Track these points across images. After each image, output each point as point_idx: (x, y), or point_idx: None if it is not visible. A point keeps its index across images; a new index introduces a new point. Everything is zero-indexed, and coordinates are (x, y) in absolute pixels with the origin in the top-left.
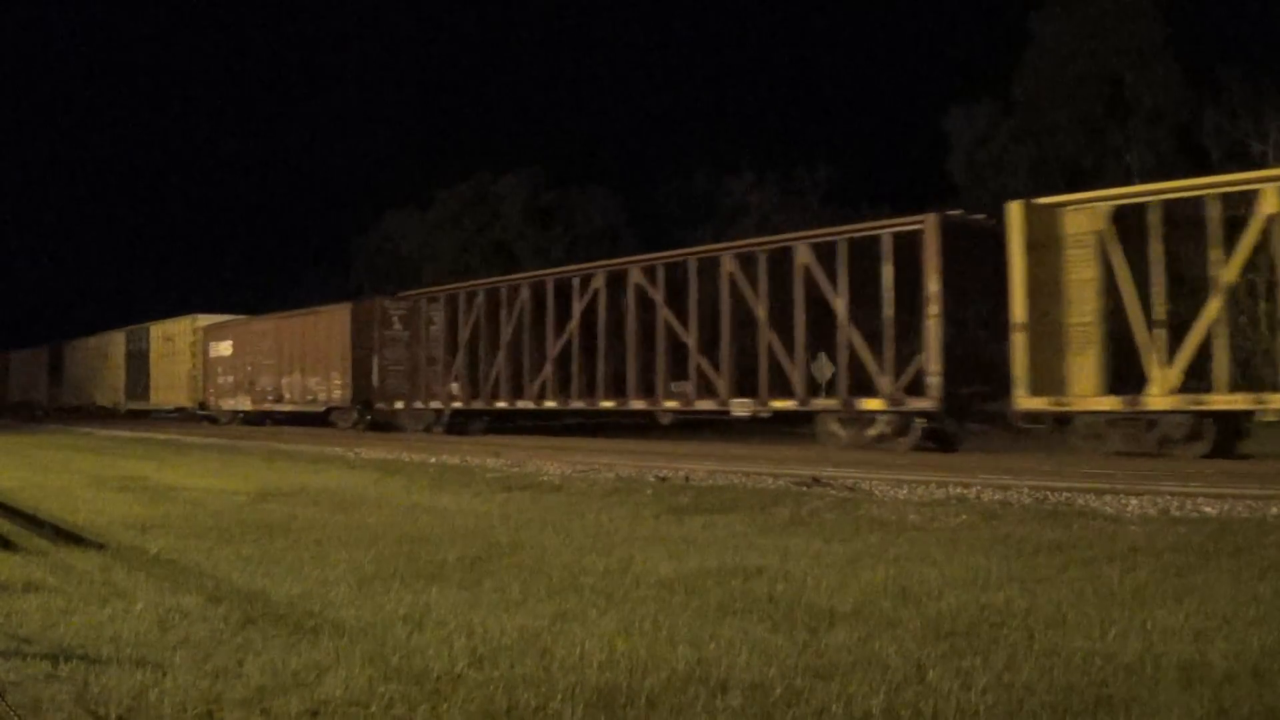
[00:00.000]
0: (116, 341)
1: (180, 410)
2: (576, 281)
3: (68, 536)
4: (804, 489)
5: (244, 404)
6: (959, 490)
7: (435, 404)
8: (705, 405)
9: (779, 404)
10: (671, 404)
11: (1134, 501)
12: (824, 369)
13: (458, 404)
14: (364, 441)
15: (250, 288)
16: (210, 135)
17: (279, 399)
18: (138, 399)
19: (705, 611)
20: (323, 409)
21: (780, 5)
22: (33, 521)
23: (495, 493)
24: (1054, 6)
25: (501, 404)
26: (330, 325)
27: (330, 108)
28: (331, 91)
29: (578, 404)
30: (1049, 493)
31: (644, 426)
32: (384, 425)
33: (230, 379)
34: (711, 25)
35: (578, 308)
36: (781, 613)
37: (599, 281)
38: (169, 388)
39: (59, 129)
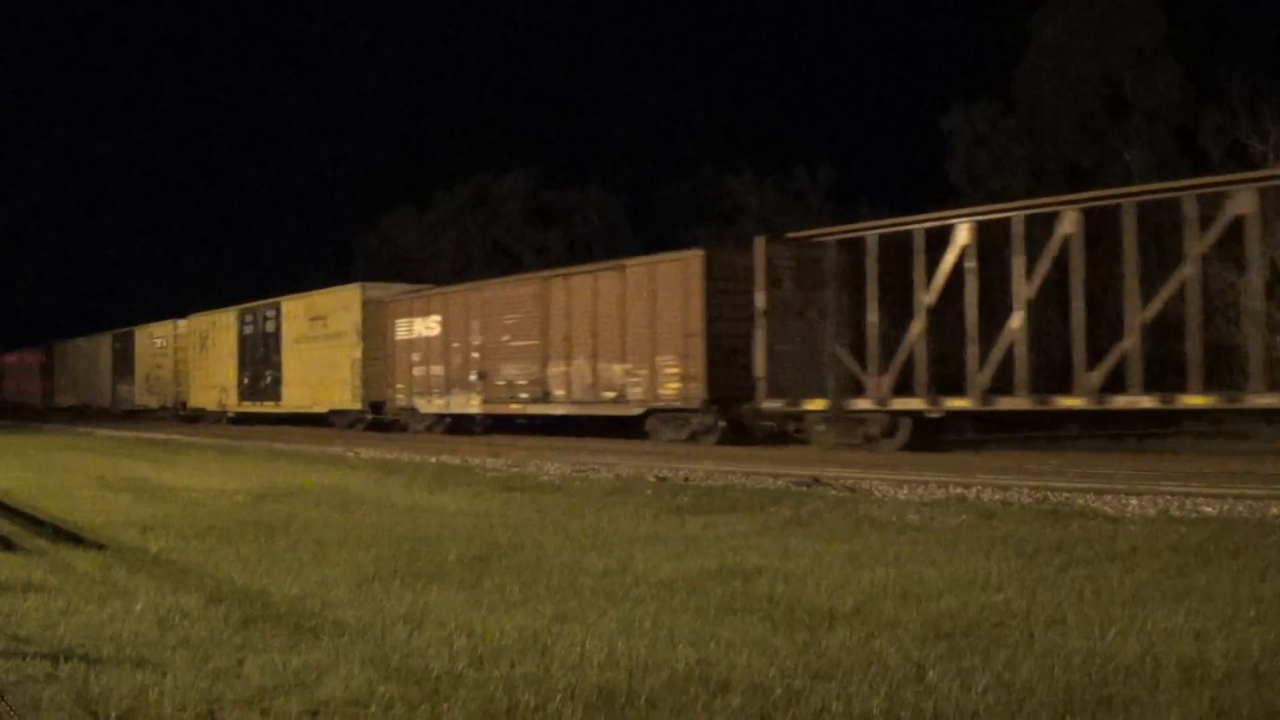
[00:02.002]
0: (221, 324)
1: (337, 414)
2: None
3: (68, 536)
4: (804, 489)
5: (465, 403)
6: (959, 490)
7: (867, 404)
8: None
9: None
10: None
11: (1134, 501)
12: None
13: (923, 406)
14: (364, 441)
15: (250, 287)
16: (210, 135)
17: (541, 395)
18: (259, 398)
19: (705, 611)
20: (638, 411)
21: (780, 5)
22: (33, 521)
23: (495, 492)
24: (1054, 6)
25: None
26: (657, 283)
27: (330, 108)
28: (331, 91)
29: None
30: (1049, 493)
31: None
32: (776, 437)
33: (436, 369)
34: (712, 25)
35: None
36: (781, 613)
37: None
38: (317, 384)
39: (59, 129)
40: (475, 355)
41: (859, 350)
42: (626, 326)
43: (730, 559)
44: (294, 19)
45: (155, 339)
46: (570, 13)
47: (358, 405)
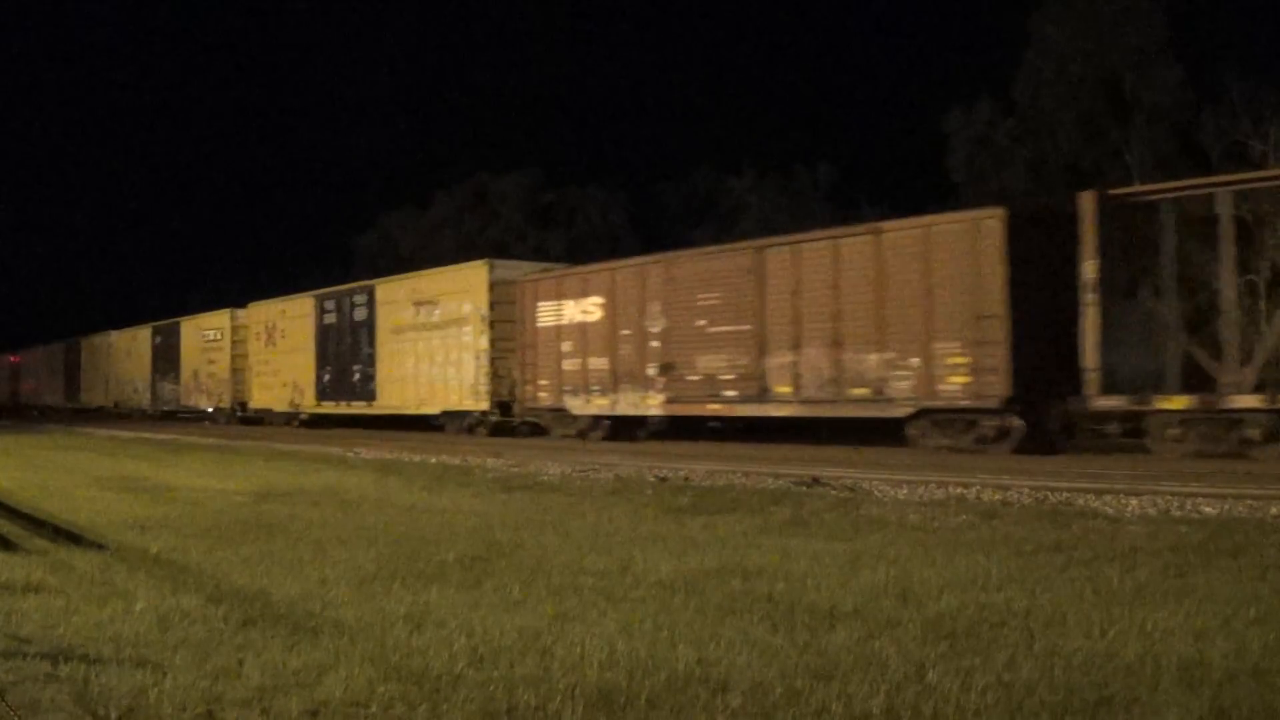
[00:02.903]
0: (293, 312)
1: (451, 416)
2: None
3: (68, 536)
4: (804, 489)
5: (638, 402)
6: (959, 490)
7: (1252, 401)
8: None
9: None
10: None
11: (1134, 501)
12: None
13: None
14: (364, 441)
15: (250, 287)
16: (209, 135)
17: (755, 393)
18: (344, 397)
19: (705, 612)
20: (905, 411)
21: (780, 5)
22: (33, 521)
23: (495, 493)
24: (1054, 7)
25: None
26: (932, 251)
27: (330, 108)
28: (332, 91)
29: None
30: (1049, 493)
31: None
32: (1094, 444)
33: (597, 362)
34: (712, 25)
35: None
36: (781, 613)
37: None
38: (425, 381)
39: (59, 129)
40: (655, 344)
41: (1205, 334)
42: (885, 306)
43: (730, 559)
44: (295, 20)
45: (206, 331)
46: (570, 13)
47: (482, 405)
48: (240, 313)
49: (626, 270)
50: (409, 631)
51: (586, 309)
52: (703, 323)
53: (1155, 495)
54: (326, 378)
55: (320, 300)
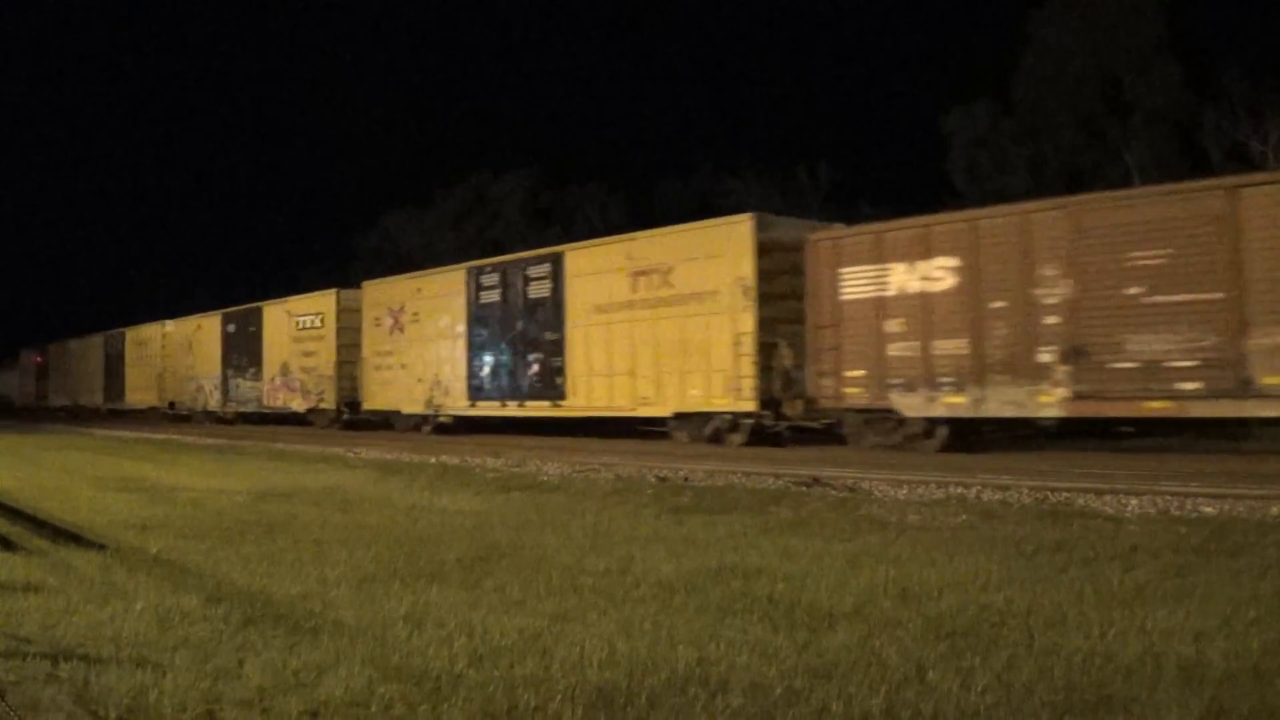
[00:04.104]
0: (431, 290)
1: (687, 419)
2: None
3: (68, 536)
4: (804, 489)
5: (1023, 398)
6: (959, 490)
7: None
8: None
9: None
10: None
11: (1134, 501)
12: None
13: None
14: (364, 440)
15: (250, 288)
16: (209, 135)
17: (1233, 384)
18: (513, 396)
19: (705, 612)
20: None
21: (780, 5)
22: (33, 522)
23: (495, 493)
24: (1054, 6)
25: None
26: None
27: (330, 108)
28: (332, 91)
29: None
30: (1049, 493)
31: None
32: None
33: (946, 345)
34: (712, 25)
35: None
36: (781, 613)
37: None
38: (649, 374)
39: (60, 129)
40: (1052, 320)
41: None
42: None
43: (730, 559)
44: (295, 20)
45: (302, 316)
46: (570, 13)
47: (744, 405)
48: (351, 293)
49: (1000, 221)
50: (409, 631)
51: (929, 275)
52: (1136, 290)
53: (1155, 495)
54: (484, 371)
55: (475, 274)
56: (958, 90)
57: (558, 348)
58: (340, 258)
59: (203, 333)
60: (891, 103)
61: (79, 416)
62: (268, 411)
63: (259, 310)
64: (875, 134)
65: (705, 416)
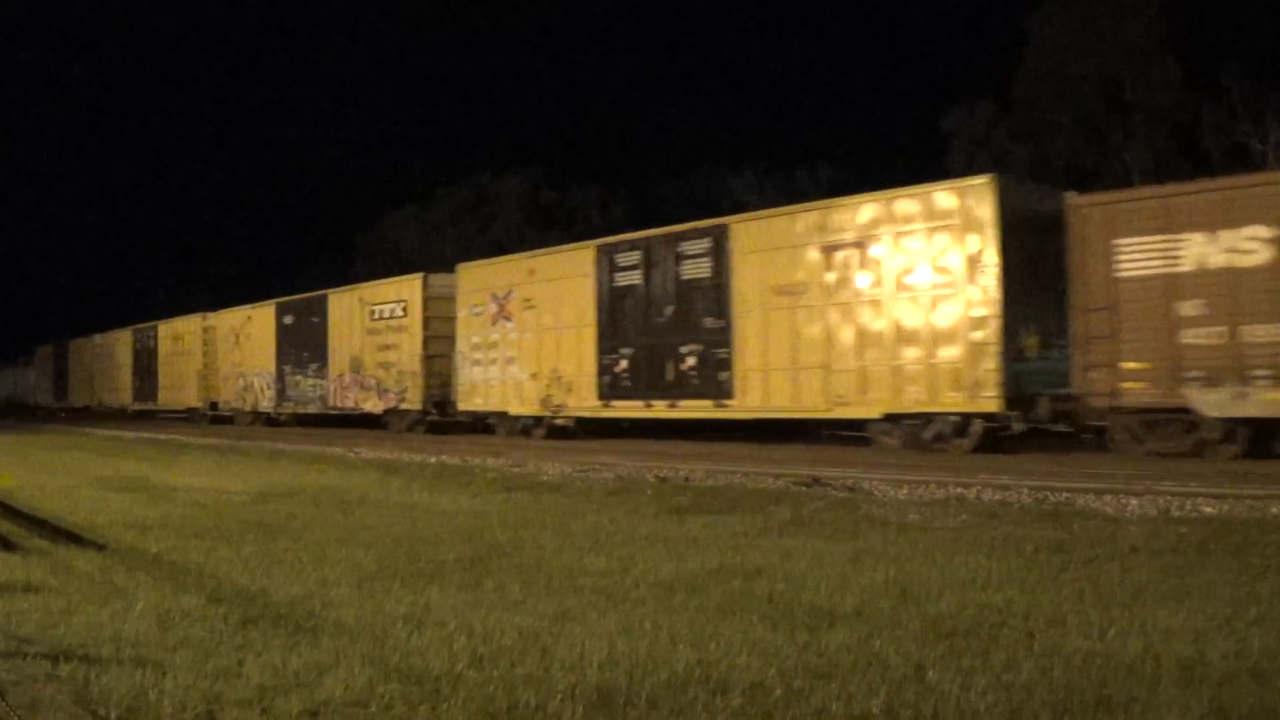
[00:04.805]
0: (548, 272)
1: (911, 421)
2: None
3: (68, 536)
4: (804, 489)
5: None
6: (959, 490)
7: None
8: None
9: None
10: None
11: (1134, 502)
12: None
13: None
14: (363, 440)
15: (250, 286)
16: (210, 134)
17: None
18: (660, 394)
19: (705, 611)
20: None
21: (780, 5)
22: (33, 522)
23: (495, 493)
24: (1054, 6)
25: None
26: None
27: (330, 107)
28: (332, 92)
29: None
30: (1049, 493)
31: None
32: None
33: (1264, 332)
34: (712, 25)
35: None
36: (781, 613)
37: None
38: (852, 369)
39: (60, 129)
40: None
41: None
42: None
43: (730, 559)
44: (295, 20)
45: (378, 306)
46: (570, 13)
47: (984, 403)
48: (442, 278)
49: None
50: (409, 631)
51: (1236, 247)
52: None
53: (1155, 495)
54: (620, 366)
55: (608, 252)
56: (958, 90)
57: (722, 338)
58: (340, 258)
59: (253, 325)
60: (892, 103)
61: (107, 418)
62: (334, 413)
63: (323, 299)
64: (875, 134)
65: (925, 418)
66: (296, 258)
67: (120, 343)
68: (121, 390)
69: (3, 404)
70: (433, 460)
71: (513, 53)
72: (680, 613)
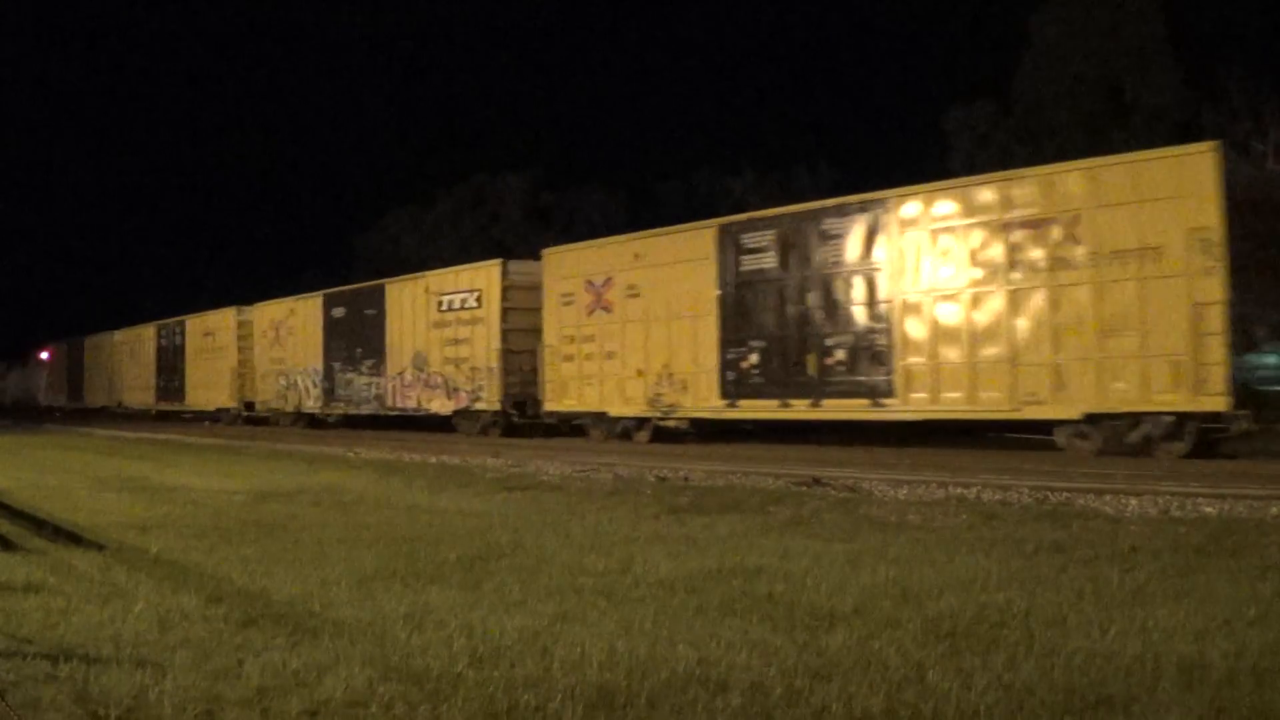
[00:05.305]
0: (661, 255)
1: (1104, 423)
2: None
3: (68, 536)
4: (804, 489)
5: None
6: (959, 490)
7: None
8: None
9: None
10: None
11: (1134, 501)
12: None
13: None
14: (363, 440)
15: (249, 288)
16: (209, 135)
17: None
18: (799, 393)
19: (705, 611)
20: None
21: (780, 5)
22: (33, 521)
23: (495, 493)
24: (1054, 6)
25: None
26: None
27: (331, 107)
28: (332, 91)
29: None
30: (1049, 493)
31: None
32: None
33: None
34: (711, 25)
35: None
36: (781, 613)
37: None
38: (1069, 361)
39: (60, 129)
40: None
41: None
42: None
43: (730, 559)
44: (295, 21)
45: (447, 296)
46: (570, 13)
47: (1208, 401)
48: (523, 265)
49: None
50: (409, 631)
51: None
52: None
53: (1155, 495)
54: (748, 361)
55: (732, 233)
56: (958, 90)
57: (879, 328)
58: (341, 257)
59: (296, 318)
60: (892, 103)
61: (129, 420)
62: (393, 414)
63: (380, 289)
64: (875, 134)
65: (1132, 418)
66: (297, 258)
67: (142, 339)
68: (144, 390)
69: (11, 405)
70: (433, 460)
71: (513, 53)
72: (680, 613)
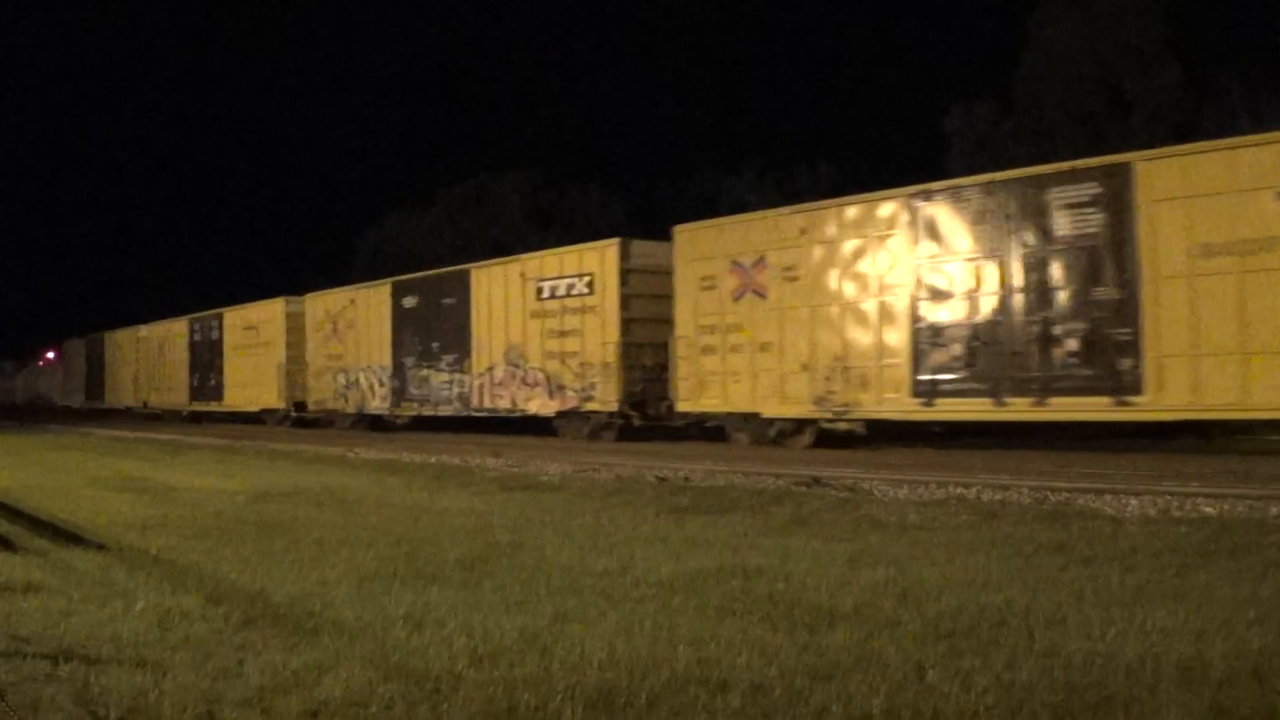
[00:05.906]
0: (824, 232)
1: None
2: None
3: (68, 536)
4: (804, 489)
5: None
6: (959, 490)
7: None
8: None
9: None
10: None
11: (1134, 501)
12: None
13: None
14: (363, 440)
15: (249, 288)
16: (209, 135)
17: None
18: (1082, 387)
19: (705, 612)
20: None
21: (780, 5)
22: (33, 522)
23: (495, 493)
24: (1054, 6)
25: None
26: None
27: (330, 108)
28: (332, 91)
29: None
30: (1049, 493)
31: None
32: None
33: None
34: (712, 25)
35: None
36: (781, 613)
37: None
38: None
39: (61, 129)
40: None
41: None
42: None
43: (730, 559)
44: (295, 21)
45: (549, 282)
46: (570, 13)
47: None
48: (645, 245)
49: None
50: (409, 631)
51: None
52: None
53: (1155, 495)
54: (949, 351)
55: (919, 202)
56: (958, 90)
57: (1123, 314)
58: (341, 257)
59: (358, 310)
60: (892, 103)
61: (160, 420)
62: (479, 414)
63: (463, 275)
64: (875, 134)
65: None
66: (297, 258)
67: (173, 334)
68: (175, 389)
69: (25, 405)
70: (433, 460)
71: (513, 52)
72: (680, 613)
